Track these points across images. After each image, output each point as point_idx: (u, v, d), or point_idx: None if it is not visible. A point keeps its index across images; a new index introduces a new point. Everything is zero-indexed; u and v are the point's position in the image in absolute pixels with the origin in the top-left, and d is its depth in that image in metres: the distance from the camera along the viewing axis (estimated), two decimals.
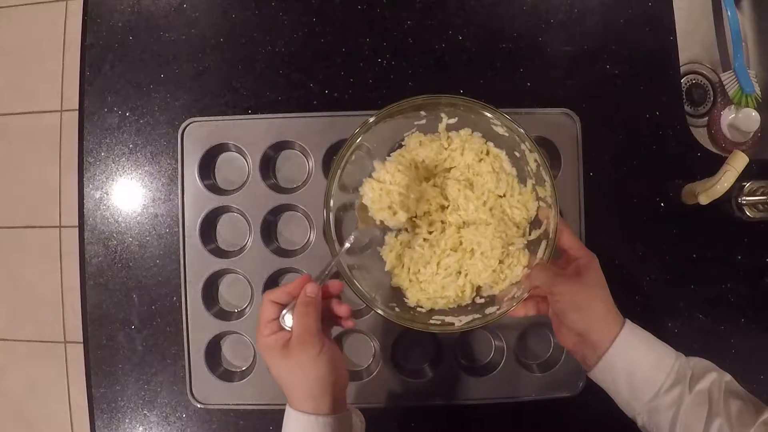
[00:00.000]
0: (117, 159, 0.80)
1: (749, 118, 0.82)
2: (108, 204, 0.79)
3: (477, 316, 0.63)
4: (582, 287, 0.57)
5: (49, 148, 1.75)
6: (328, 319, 0.59)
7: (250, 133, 0.76)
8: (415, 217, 0.67)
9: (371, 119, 0.62)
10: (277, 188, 0.77)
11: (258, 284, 0.75)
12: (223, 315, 0.77)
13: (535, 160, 0.63)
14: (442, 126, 0.68)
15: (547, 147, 0.77)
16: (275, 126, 0.76)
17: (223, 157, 0.79)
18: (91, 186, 0.79)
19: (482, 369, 0.76)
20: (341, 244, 0.61)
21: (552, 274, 0.59)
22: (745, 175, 0.68)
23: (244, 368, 0.78)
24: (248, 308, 0.77)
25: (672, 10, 0.80)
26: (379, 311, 0.61)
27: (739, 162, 0.67)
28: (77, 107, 0.80)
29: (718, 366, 0.56)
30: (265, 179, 0.76)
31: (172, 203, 0.78)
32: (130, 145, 0.79)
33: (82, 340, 0.78)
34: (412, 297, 0.66)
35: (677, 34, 0.80)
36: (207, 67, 0.80)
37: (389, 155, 0.68)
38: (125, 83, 0.80)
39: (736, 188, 0.75)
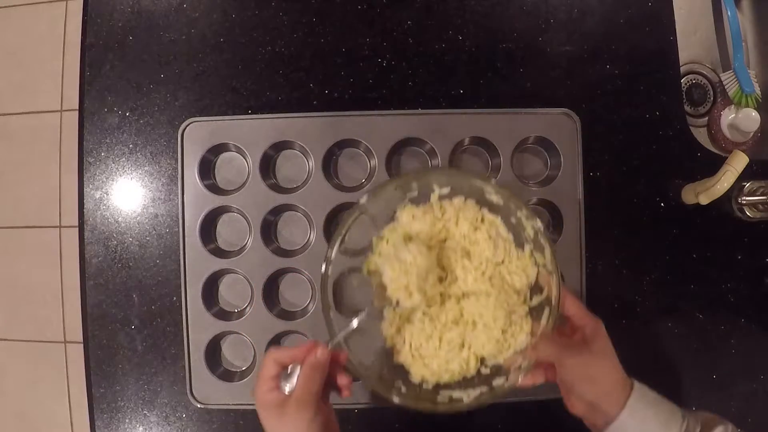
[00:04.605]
0: (117, 159, 0.80)
1: (749, 118, 0.82)
2: (108, 204, 0.79)
3: (484, 389, 0.62)
4: (590, 358, 0.57)
5: (49, 148, 1.75)
6: (327, 385, 0.59)
7: (250, 133, 0.76)
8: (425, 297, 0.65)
9: (362, 199, 0.62)
10: (277, 188, 0.77)
11: (258, 284, 0.75)
12: (223, 315, 0.77)
13: (533, 227, 0.62)
14: (434, 197, 0.66)
15: (547, 147, 0.77)
16: (275, 126, 0.76)
17: (223, 157, 0.79)
18: (91, 186, 0.79)
19: None
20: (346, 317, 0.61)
21: (559, 346, 0.58)
22: (745, 175, 0.68)
23: (244, 368, 0.78)
24: (248, 308, 0.76)
25: (672, 10, 0.80)
26: (395, 399, 0.61)
27: (739, 162, 0.67)
28: (77, 107, 0.80)
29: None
30: (265, 179, 0.76)
31: (172, 203, 0.78)
32: (130, 145, 0.79)
33: (82, 340, 0.78)
34: (416, 373, 0.64)
35: (677, 34, 0.80)
36: (207, 67, 0.80)
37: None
38: (125, 83, 0.80)
39: (736, 188, 0.75)
